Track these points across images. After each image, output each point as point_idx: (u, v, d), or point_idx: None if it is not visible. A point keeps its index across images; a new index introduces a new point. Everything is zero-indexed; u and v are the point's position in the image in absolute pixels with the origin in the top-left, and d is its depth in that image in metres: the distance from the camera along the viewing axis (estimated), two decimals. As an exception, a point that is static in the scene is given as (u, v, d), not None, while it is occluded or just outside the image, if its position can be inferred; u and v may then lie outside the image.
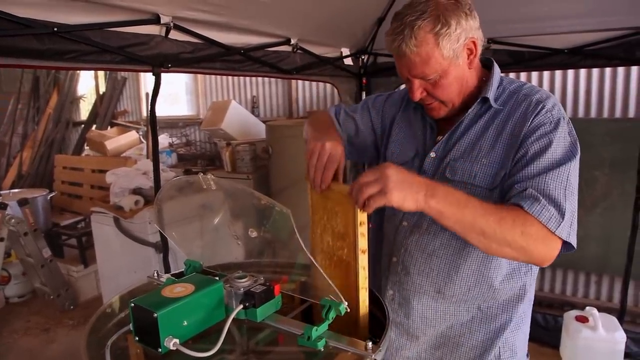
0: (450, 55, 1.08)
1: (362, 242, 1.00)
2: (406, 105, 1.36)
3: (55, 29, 1.56)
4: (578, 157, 1.10)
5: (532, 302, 1.29)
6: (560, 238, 1.02)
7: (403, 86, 3.54)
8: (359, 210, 0.98)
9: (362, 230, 1.00)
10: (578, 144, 1.11)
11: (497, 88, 1.19)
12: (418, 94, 1.15)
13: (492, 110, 1.17)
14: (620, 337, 2.56)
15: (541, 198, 1.02)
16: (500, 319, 1.23)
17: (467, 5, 1.10)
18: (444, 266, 1.22)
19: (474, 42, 1.11)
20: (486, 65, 1.23)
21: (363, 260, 1.00)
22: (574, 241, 1.05)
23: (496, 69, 1.21)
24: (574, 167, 1.08)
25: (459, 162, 1.17)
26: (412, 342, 1.31)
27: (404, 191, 0.94)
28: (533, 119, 1.11)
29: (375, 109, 1.42)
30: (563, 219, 1.02)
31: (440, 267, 1.22)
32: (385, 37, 1.13)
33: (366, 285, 1.02)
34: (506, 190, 1.10)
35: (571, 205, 1.04)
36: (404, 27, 1.06)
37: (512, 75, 3.42)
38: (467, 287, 1.21)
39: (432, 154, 1.23)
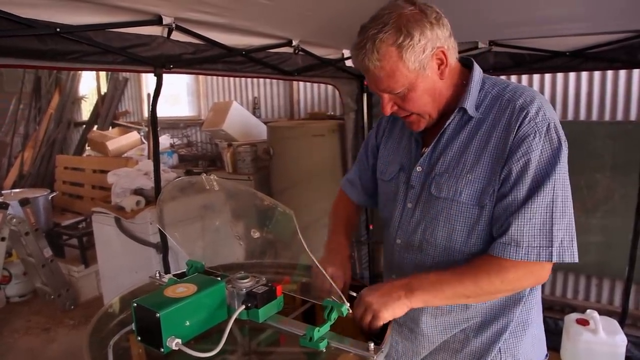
0: (417, 67, 1.05)
1: None
2: (391, 127, 1.37)
3: (58, 30, 1.56)
4: (564, 158, 1.05)
5: (539, 308, 1.27)
6: (549, 261, 1.04)
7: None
8: None
9: None
10: (564, 144, 1.06)
11: (479, 92, 1.14)
12: (389, 109, 1.13)
13: (475, 119, 1.13)
14: (621, 341, 2.55)
15: (522, 242, 1.03)
16: (499, 323, 1.20)
17: (434, 14, 1.06)
18: None
19: (443, 52, 1.07)
20: (468, 66, 1.18)
21: None
22: (569, 257, 1.04)
23: (475, 72, 1.15)
24: (560, 174, 1.04)
25: (444, 177, 1.14)
26: (414, 354, 1.32)
27: (389, 305, 1.02)
28: (517, 129, 1.05)
29: (371, 142, 1.45)
30: (552, 245, 1.02)
31: None
32: (350, 51, 1.11)
33: None
34: (495, 216, 1.09)
35: (560, 225, 1.04)
36: (366, 41, 1.04)
37: (513, 77, 3.43)
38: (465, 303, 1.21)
39: (419, 168, 1.20)
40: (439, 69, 1.09)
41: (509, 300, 1.19)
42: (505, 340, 1.20)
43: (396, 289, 1.05)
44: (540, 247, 1.02)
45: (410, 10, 1.04)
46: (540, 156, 1.04)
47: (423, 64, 1.05)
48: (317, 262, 0.97)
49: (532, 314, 1.23)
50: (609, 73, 3.20)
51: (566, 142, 1.07)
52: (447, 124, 1.15)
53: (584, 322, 2.65)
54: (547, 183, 1.02)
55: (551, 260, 1.02)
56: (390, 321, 1.00)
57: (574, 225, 1.06)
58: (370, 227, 3.61)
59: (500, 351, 1.21)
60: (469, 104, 1.11)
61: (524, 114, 1.06)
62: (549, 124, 1.05)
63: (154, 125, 2.21)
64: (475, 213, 1.10)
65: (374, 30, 1.03)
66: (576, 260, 1.04)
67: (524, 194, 1.03)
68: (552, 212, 1.03)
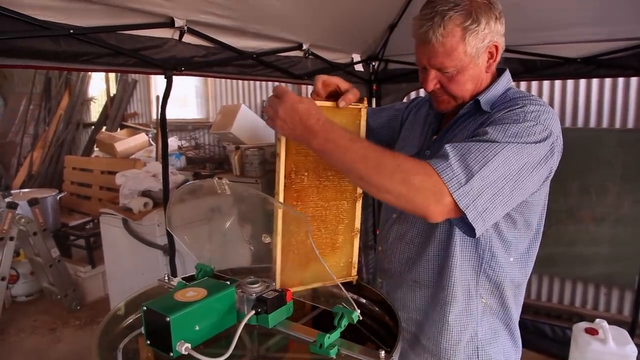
0: (473, 53, 1.09)
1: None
2: (418, 109, 1.43)
3: (71, 31, 1.57)
4: (530, 149, 1.00)
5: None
6: (454, 200, 0.94)
7: (414, 94, 3.52)
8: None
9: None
10: (545, 144, 1.02)
11: (501, 95, 1.18)
12: (432, 85, 1.15)
13: (484, 113, 1.15)
14: (631, 351, 2.51)
15: (451, 157, 0.96)
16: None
17: (498, 10, 1.11)
18: (415, 252, 1.25)
19: (496, 47, 1.13)
20: (500, 74, 1.23)
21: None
22: (476, 221, 0.96)
23: (505, 77, 1.21)
24: (516, 152, 0.99)
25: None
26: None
27: (285, 123, 0.99)
28: (502, 112, 1.08)
29: (399, 108, 1.50)
30: (467, 184, 0.94)
31: (411, 252, 1.25)
32: (413, 21, 1.13)
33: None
34: None
35: (486, 181, 0.95)
36: (434, 14, 1.06)
37: (523, 83, 3.41)
38: (432, 271, 1.22)
39: (428, 152, 1.26)
40: (487, 61, 1.14)
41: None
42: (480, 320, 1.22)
43: (307, 123, 0.98)
44: (458, 176, 0.94)
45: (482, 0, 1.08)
46: (511, 125, 1.01)
47: (479, 52, 1.10)
48: (327, 267, 0.97)
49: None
50: (620, 80, 3.17)
51: (559, 153, 1.06)
52: (460, 112, 1.18)
53: (592, 332, 2.61)
54: (502, 144, 0.98)
55: (453, 196, 0.93)
56: (399, 329, 0.99)
57: (500, 205, 0.98)
58: (377, 232, 3.59)
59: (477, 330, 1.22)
60: (485, 99, 1.16)
61: (517, 103, 1.09)
62: (536, 123, 1.03)
63: (163, 127, 2.22)
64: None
65: (444, 7, 1.06)
66: (476, 233, 0.97)
67: (477, 138, 1.01)
68: (487, 163, 0.96)
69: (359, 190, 1.13)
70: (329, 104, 1.07)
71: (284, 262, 1.02)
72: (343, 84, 1.12)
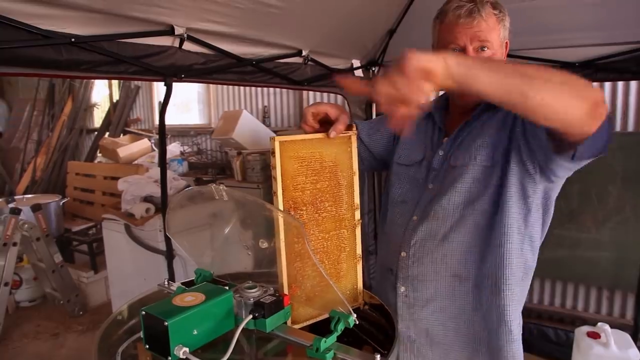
0: (502, 39, 1.22)
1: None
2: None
3: (73, 40, 1.59)
4: None
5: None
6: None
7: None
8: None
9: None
10: None
11: None
12: None
13: (497, 111, 1.24)
14: (634, 355, 2.50)
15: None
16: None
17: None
18: (457, 248, 1.25)
19: (507, 44, 1.26)
20: None
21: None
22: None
23: None
24: None
25: (461, 149, 1.27)
26: (427, 337, 1.33)
27: (425, 55, 0.84)
28: None
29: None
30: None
31: (453, 250, 1.25)
32: (448, 4, 1.22)
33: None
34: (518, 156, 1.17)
35: None
36: (475, 1, 1.18)
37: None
38: (477, 267, 1.25)
39: (440, 152, 1.31)
40: (504, 54, 1.26)
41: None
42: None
43: (446, 54, 0.85)
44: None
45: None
46: None
47: (502, 41, 1.24)
48: (325, 273, 0.98)
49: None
50: (620, 84, 3.18)
51: None
52: (474, 113, 1.27)
53: (595, 335, 2.60)
54: None
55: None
56: (395, 332, 0.99)
57: None
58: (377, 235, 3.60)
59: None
60: None
61: None
62: None
63: (162, 133, 2.24)
64: (485, 172, 1.21)
65: None
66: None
67: None
68: None
69: (357, 217, 1.11)
70: (319, 135, 1.06)
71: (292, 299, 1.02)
72: (332, 111, 1.08)
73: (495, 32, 1.19)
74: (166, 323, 0.82)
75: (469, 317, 1.27)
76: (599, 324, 2.65)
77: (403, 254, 1.32)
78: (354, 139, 1.11)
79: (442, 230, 1.26)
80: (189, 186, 3.78)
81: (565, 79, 0.87)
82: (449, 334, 1.30)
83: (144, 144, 5.70)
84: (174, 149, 5.43)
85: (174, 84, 2.04)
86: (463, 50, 1.19)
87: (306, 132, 1.08)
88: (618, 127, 3.24)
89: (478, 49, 1.18)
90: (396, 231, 1.36)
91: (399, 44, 2.93)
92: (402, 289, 1.33)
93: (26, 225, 3.60)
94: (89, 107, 7.11)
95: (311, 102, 4.89)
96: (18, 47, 1.46)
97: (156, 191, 3.52)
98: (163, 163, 2.29)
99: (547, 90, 0.84)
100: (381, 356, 0.86)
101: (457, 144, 1.28)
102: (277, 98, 5.17)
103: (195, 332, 0.88)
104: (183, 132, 5.94)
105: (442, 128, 1.35)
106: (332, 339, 0.91)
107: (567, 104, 0.87)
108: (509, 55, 2.71)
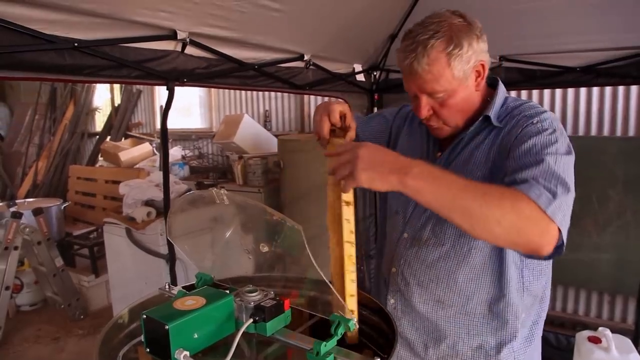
0: (460, 76, 1.10)
1: (347, 227, 1.01)
2: (412, 119, 1.41)
3: (76, 44, 1.60)
4: (573, 156, 1.05)
5: (539, 322, 1.29)
6: (553, 221, 0.91)
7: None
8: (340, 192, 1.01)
9: (347, 214, 1.02)
10: (571, 149, 1.07)
11: (501, 107, 1.20)
12: (425, 112, 1.17)
13: (493, 128, 1.19)
14: (634, 360, 2.50)
15: (530, 179, 0.95)
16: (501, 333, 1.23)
17: (478, 29, 1.12)
18: (443, 277, 1.24)
19: (482, 65, 1.14)
20: (492, 85, 1.24)
21: (349, 249, 1.02)
22: (564, 235, 0.93)
23: (501, 88, 1.23)
24: (570, 161, 1.03)
25: (456, 169, 1.18)
26: (411, 350, 1.33)
27: (373, 172, 0.92)
28: (523, 129, 1.10)
29: (387, 117, 1.48)
30: (555, 198, 0.92)
31: (439, 277, 1.24)
32: (397, 53, 1.15)
33: (353, 277, 1.02)
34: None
35: (564, 191, 0.95)
36: (416, 45, 1.08)
37: (523, 93, 3.43)
38: (465, 297, 1.23)
39: None
40: (476, 80, 1.15)
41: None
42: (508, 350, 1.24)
43: (393, 163, 0.93)
44: (548, 197, 0.92)
45: (460, 22, 1.10)
46: (550, 139, 1.04)
47: (466, 74, 1.11)
48: (325, 277, 0.98)
49: (535, 329, 1.28)
50: (621, 89, 3.19)
51: (573, 152, 1.08)
52: (469, 130, 1.20)
53: (596, 340, 2.59)
54: (561, 155, 1.01)
55: (554, 217, 0.91)
56: (395, 335, 0.99)
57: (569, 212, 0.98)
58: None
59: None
60: (493, 113, 1.18)
61: (532, 119, 1.11)
62: (554, 129, 1.08)
63: (164, 137, 2.25)
64: None
65: (425, 36, 1.07)
66: (564, 246, 0.95)
67: (534, 157, 1.02)
68: (561, 174, 0.97)
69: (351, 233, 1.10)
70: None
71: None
72: (348, 115, 1.18)
73: (444, 78, 1.09)
74: (167, 327, 0.83)
75: (456, 339, 1.26)
76: (600, 328, 2.64)
77: (393, 269, 1.33)
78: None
79: (431, 257, 1.25)
80: (190, 190, 3.78)
81: (515, 214, 0.90)
82: (436, 350, 1.30)
83: (146, 148, 5.71)
84: (175, 152, 5.44)
85: (176, 88, 2.05)
86: (417, 98, 1.16)
87: (322, 144, 1.16)
88: (619, 132, 3.24)
89: (429, 95, 1.14)
90: (389, 244, 1.37)
91: (400, 48, 2.95)
92: (392, 301, 1.35)
93: (27, 229, 3.61)
94: (90, 111, 7.13)
95: (312, 106, 4.90)
96: (22, 51, 1.48)
97: (157, 195, 3.53)
98: (166, 167, 2.30)
99: (491, 230, 0.91)
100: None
101: (451, 160, 1.24)
102: (279, 102, 5.18)
103: (195, 336, 0.88)
104: (184, 136, 5.95)
105: (437, 142, 1.31)
106: (332, 342, 0.91)
107: (516, 240, 0.93)
108: (509, 60, 2.74)
